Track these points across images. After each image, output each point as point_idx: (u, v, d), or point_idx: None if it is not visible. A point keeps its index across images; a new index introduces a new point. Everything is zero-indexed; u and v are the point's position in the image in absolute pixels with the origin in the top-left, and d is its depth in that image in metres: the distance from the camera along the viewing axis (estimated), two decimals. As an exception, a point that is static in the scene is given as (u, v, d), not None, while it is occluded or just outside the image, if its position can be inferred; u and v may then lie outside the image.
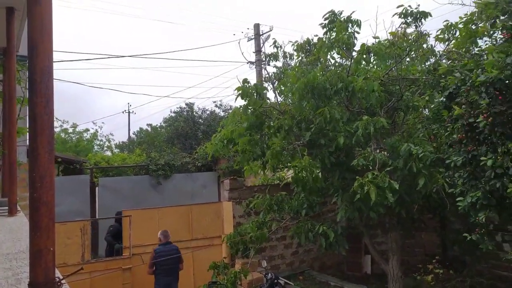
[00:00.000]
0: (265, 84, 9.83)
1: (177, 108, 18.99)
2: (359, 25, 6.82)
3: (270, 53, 8.75)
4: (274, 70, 9.58)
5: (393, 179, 5.25)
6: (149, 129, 27.56)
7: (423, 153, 4.94)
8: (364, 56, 6.87)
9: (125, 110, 34.17)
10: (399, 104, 6.23)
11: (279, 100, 8.21)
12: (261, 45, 13.62)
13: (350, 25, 6.78)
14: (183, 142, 16.54)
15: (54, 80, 1.72)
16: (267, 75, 9.09)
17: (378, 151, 5.88)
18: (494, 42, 4.88)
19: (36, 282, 1.51)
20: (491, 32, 5.13)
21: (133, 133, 32.29)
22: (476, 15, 5.11)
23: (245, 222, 8.02)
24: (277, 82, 8.89)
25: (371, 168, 5.44)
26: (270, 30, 13.70)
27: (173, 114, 19.11)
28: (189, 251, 8.65)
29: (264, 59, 9.43)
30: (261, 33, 13.78)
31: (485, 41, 5.21)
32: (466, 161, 4.54)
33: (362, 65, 6.96)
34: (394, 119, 6.54)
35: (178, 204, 9.82)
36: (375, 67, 6.53)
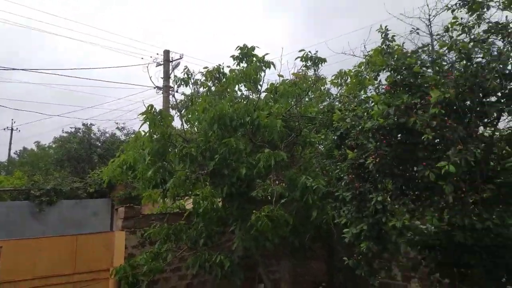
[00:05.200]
0: (172, 112, 9.64)
1: (71, 128, 17.30)
2: (269, 66, 7.26)
3: (181, 77, 8.73)
4: (182, 97, 9.53)
5: (289, 210, 5.51)
6: (35, 148, 24.55)
7: (317, 186, 5.31)
8: (272, 96, 7.36)
9: (7, 127, 30.21)
10: (298, 140, 6.67)
11: (185, 127, 8.11)
12: (170, 71, 13.48)
13: (262, 65, 7.22)
14: (75, 165, 15.09)
15: None
16: (174, 102, 8.96)
17: (277, 182, 6.13)
18: (377, 91, 5.60)
19: None
20: (376, 84, 5.90)
21: (14, 153, 28.50)
22: (363, 66, 5.86)
23: (139, 253, 7.49)
24: (184, 109, 8.81)
25: (269, 198, 5.64)
26: (180, 58, 13.70)
27: (65, 134, 17.39)
28: (71, 287, 7.70)
29: (174, 84, 9.31)
30: (171, 60, 13.67)
31: (370, 89, 5.96)
32: (354, 197, 5.00)
33: (270, 103, 7.40)
34: (293, 153, 6.96)
35: (63, 234, 8.78)
36: (278, 103, 6.97)
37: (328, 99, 6.97)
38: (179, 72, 9.99)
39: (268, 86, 7.26)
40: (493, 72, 4.18)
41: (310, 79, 7.20)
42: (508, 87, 4.21)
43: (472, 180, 4.10)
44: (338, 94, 6.84)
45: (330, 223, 5.33)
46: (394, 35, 5.37)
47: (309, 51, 6.85)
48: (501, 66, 4.21)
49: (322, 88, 7.26)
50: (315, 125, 6.65)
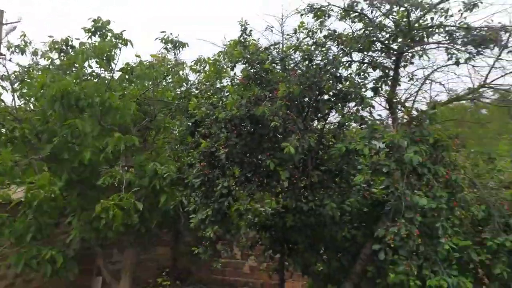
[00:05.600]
0: (2, 83, 8.14)
1: None
2: (126, 43, 6.75)
3: (16, 44, 7.43)
4: (17, 68, 8.06)
5: (137, 197, 5.23)
6: None
7: (167, 173, 5.18)
8: (127, 76, 6.87)
9: None
10: (152, 124, 6.42)
11: (17, 104, 6.92)
12: (3, 36, 11.22)
13: (119, 41, 6.66)
14: None
15: None
16: (5, 73, 7.49)
17: (126, 168, 5.77)
18: (233, 82, 5.76)
19: None
20: (232, 74, 6.07)
21: None
22: (222, 56, 5.95)
23: None
24: (18, 82, 7.51)
25: (116, 185, 5.25)
26: (18, 21, 11.52)
27: None
28: None
29: (6, 52, 7.76)
30: (4, 22, 11.39)
31: (227, 79, 6.10)
32: (203, 183, 5.04)
33: (124, 84, 6.90)
34: (146, 138, 6.67)
35: None
36: (133, 85, 6.55)
37: (186, 85, 6.88)
38: (17, 39, 8.39)
39: (124, 66, 6.76)
40: (328, 74, 4.76)
41: (170, 62, 6.98)
42: (338, 88, 4.84)
43: (304, 168, 4.60)
44: (196, 81, 6.82)
45: (178, 209, 5.27)
46: (251, 30, 5.61)
47: (171, 33, 6.65)
48: (334, 69, 4.82)
49: (181, 73, 7.13)
50: (171, 111, 6.49)
